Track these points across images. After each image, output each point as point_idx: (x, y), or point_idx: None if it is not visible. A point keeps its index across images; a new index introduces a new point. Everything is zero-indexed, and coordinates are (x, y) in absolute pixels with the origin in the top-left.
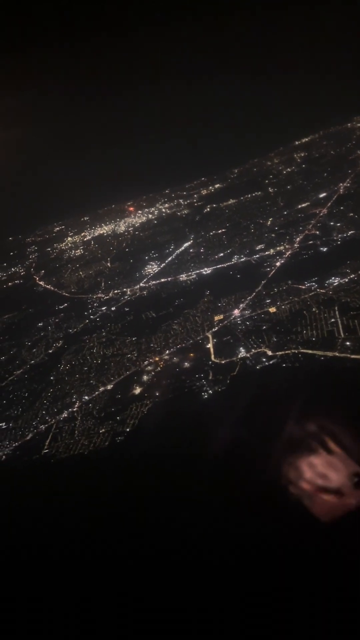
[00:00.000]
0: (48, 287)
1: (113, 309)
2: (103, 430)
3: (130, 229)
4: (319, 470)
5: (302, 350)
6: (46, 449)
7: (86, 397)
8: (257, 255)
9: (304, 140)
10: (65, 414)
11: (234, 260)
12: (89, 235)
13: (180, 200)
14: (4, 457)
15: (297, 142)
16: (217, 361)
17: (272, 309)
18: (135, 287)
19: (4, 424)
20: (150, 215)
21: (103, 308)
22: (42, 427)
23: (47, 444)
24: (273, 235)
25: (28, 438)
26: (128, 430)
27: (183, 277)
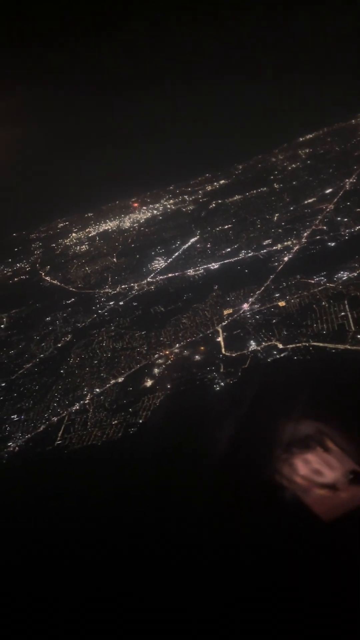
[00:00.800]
0: (54, 282)
1: (121, 303)
2: (116, 421)
3: (135, 225)
4: (314, 467)
5: (313, 343)
6: (59, 440)
7: (97, 390)
8: (265, 250)
9: (308, 137)
10: (77, 406)
11: (242, 255)
12: (94, 231)
13: (185, 197)
14: (17, 448)
15: (301, 139)
16: (228, 354)
17: (282, 303)
18: (143, 282)
19: (15, 416)
20: (155, 211)
21: (111, 303)
22: (54, 419)
23: (59, 435)
24: (280, 230)
25: (40, 430)
26: (141, 421)
27: (190, 272)
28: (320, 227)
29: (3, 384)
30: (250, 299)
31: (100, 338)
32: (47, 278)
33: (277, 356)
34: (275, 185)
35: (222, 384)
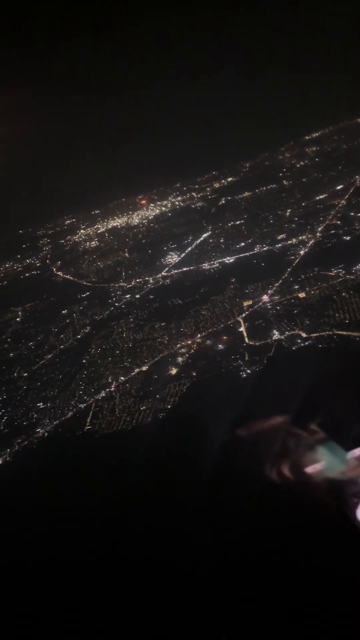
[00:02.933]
0: (67, 277)
1: (137, 296)
2: (144, 407)
3: (144, 221)
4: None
5: (337, 332)
6: (88, 426)
7: (122, 378)
8: (280, 245)
9: (314, 135)
10: (103, 394)
11: (256, 249)
12: (102, 228)
13: (193, 194)
14: (45, 433)
15: (307, 137)
16: (252, 343)
17: (302, 294)
18: (158, 276)
19: (41, 403)
20: (163, 208)
21: (127, 296)
22: (82, 406)
23: (88, 421)
24: (293, 225)
25: (68, 416)
26: (169, 407)
27: (205, 265)
28: (334, 221)
29: (25, 374)
30: (269, 291)
31: (120, 329)
32: (59, 273)
33: (302, 344)
34: (285, 182)
35: (248, 371)
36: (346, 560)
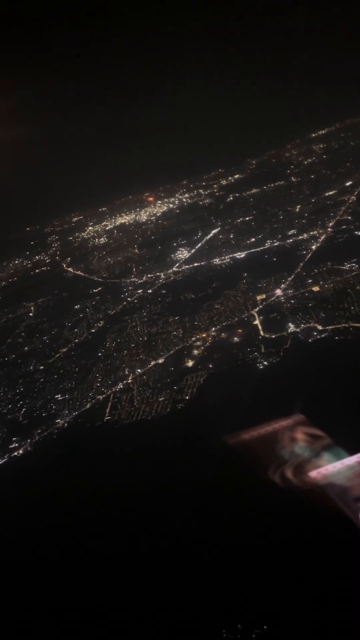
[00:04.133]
0: (78, 272)
1: (149, 291)
2: (162, 398)
3: (152, 218)
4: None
5: (352, 325)
6: (108, 417)
7: (139, 370)
8: (291, 240)
9: (320, 133)
10: (120, 385)
11: (267, 244)
12: (110, 225)
13: (200, 191)
14: (65, 424)
15: (313, 135)
16: (267, 336)
17: (316, 288)
18: (169, 272)
19: (59, 395)
20: (171, 205)
21: (139, 291)
22: (100, 397)
23: (107, 412)
24: (304, 221)
25: (87, 407)
26: (187, 398)
27: (217, 261)
28: (345, 217)
29: (41, 367)
30: (282, 285)
31: (134, 323)
32: (70, 269)
33: (318, 337)
34: (293, 179)
35: (265, 362)
36: (348, 563)
